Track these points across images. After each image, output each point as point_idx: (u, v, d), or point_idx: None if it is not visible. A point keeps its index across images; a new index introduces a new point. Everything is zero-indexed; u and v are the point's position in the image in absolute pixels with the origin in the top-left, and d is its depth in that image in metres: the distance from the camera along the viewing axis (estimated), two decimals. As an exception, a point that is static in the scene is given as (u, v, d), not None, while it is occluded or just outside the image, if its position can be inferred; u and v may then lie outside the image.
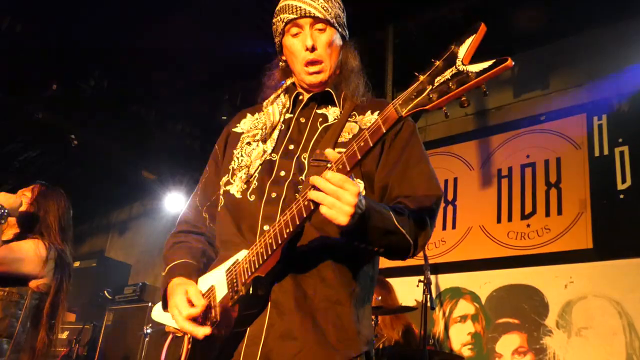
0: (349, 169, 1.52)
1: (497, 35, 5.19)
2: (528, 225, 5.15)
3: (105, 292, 7.01)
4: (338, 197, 1.50)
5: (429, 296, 4.13)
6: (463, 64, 1.37)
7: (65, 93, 6.44)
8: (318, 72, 1.94)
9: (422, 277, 4.24)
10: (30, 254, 3.10)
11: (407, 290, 4.61)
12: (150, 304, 6.24)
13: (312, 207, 1.55)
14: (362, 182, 1.81)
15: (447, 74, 1.39)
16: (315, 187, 1.52)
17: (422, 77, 1.43)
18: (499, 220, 5.31)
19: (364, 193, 1.62)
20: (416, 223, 1.75)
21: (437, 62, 1.42)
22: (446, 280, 5.40)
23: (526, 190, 5.28)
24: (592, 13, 4.99)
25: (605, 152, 4.98)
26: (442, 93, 1.39)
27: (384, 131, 1.48)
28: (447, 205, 5.65)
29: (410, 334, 4.51)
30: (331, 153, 1.55)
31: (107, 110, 6.64)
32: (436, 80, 1.40)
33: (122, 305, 6.76)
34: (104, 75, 6.32)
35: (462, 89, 1.37)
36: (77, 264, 8.00)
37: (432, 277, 5.13)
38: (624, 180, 4.80)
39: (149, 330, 5.44)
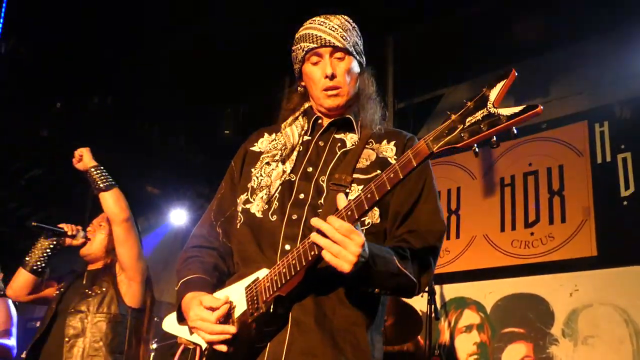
0: (366, 209, 1.58)
1: (496, 45, 5.19)
2: (532, 234, 5.12)
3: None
4: (344, 246, 1.56)
5: (433, 306, 4.10)
6: (494, 106, 1.44)
7: (70, 110, 6.48)
8: (336, 96, 1.99)
9: (426, 288, 4.20)
10: None
11: (409, 302, 4.57)
12: (156, 318, 6.21)
13: (316, 252, 1.62)
14: (377, 209, 1.86)
15: (479, 115, 1.47)
16: (320, 232, 1.58)
17: (454, 116, 1.51)
18: (502, 229, 5.29)
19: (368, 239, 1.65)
20: (420, 263, 1.81)
21: (469, 103, 1.49)
22: (451, 290, 5.37)
23: (529, 199, 5.26)
24: (591, 21, 4.98)
25: (608, 158, 4.95)
26: (473, 133, 1.47)
27: (414, 165, 1.55)
28: (451, 215, 5.62)
29: (414, 345, 4.46)
30: (341, 199, 1.62)
31: (110, 127, 6.68)
32: (467, 120, 1.48)
33: (129, 321, 6.72)
34: (107, 92, 6.36)
35: (493, 130, 1.44)
36: (83, 280, 8.00)
37: (437, 288, 5.12)
38: (627, 187, 4.78)
39: (154, 345, 5.42)
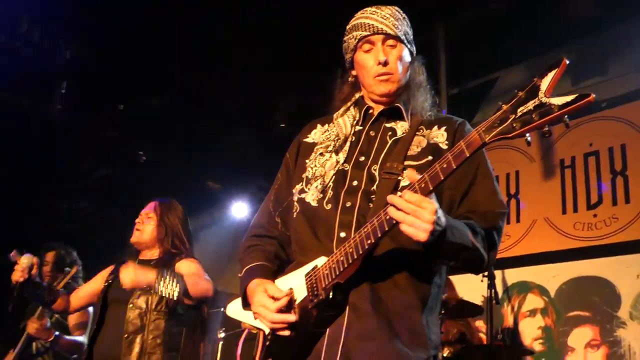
0: (430, 189, 1.61)
1: (550, 24, 5.07)
2: (595, 216, 5.00)
3: (180, 300, 7.18)
4: (417, 216, 1.59)
5: (493, 291, 4.06)
6: (545, 96, 1.45)
7: (132, 111, 6.69)
8: (387, 82, 2.03)
9: (485, 273, 4.17)
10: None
11: (471, 287, 4.55)
12: (222, 309, 6.36)
13: (394, 222, 1.65)
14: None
15: (530, 105, 1.48)
16: (394, 206, 1.62)
17: (505, 107, 1.53)
18: (564, 212, 5.18)
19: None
20: (487, 240, 1.85)
21: (520, 93, 1.51)
22: (513, 275, 5.31)
23: (591, 180, 5.12)
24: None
25: (673, 135, 4.78)
26: (525, 123, 1.48)
27: (467, 155, 1.57)
28: (510, 199, 5.54)
29: (471, 331, 4.45)
30: (411, 174, 1.65)
31: (170, 126, 6.85)
32: (519, 110, 1.50)
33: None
34: (166, 92, 6.53)
35: (544, 120, 1.45)
36: (153, 274, 8.24)
37: (499, 272, 5.07)
38: (693, 163, 4.60)
39: (222, 334, 5.58)
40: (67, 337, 4.50)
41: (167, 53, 5.84)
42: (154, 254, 3.59)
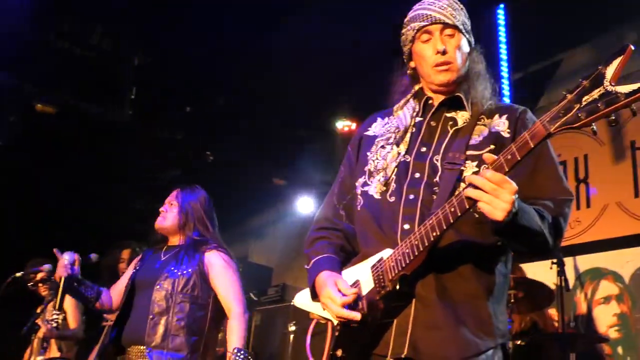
0: (507, 170, 1.60)
1: (614, 1, 4.90)
2: (669, 198, 4.80)
3: (251, 294, 7.35)
4: (497, 195, 1.58)
5: (563, 278, 3.98)
6: (611, 84, 1.42)
7: (199, 113, 6.87)
8: (447, 71, 2.02)
9: (554, 260, 4.08)
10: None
11: (541, 275, 4.45)
12: (292, 303, 6.46)
13: (467, 206, 1.65)
14: None
15: (595, 93, 1.45)
16: (473, 186, 1.61)
17: (569, 96, 1.51)
18: (636, 195, 4.99)
19: None
20: (554, 225, 1.81)
21: (584, 82, 1.48)
22: (585, 262, 5.16)
23: (664, 161, 4.92)
24: None
25: None
26: (590, 112, 1.46)
27: (532, 146, 1.57)
28: (580, 183, 5.37)
29: (544, 319, 4.36)
30: (488, 156, 1.65)
31: (235, 125, 6.98)
32: (584, 99, 1.47)
33: (267, 306, 7.08)
34: (230, 93, 6.67)
35: (611, 108, 1.43)
36: (224, 270, 8.44)
37: (570, 259, 4.96)
38: None
39: (293, 328, 5.66)
40: None
41: (230, 54, 5.96)
42: (178, 240, 3.59)
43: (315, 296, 2.06)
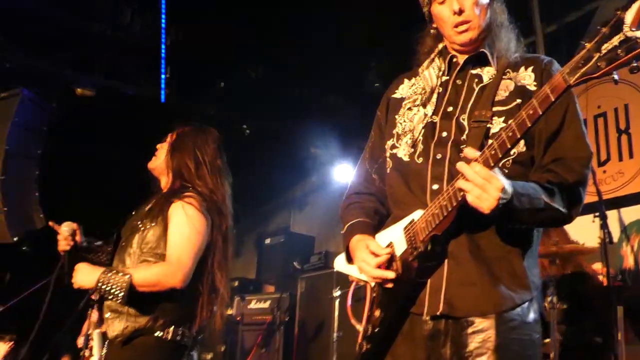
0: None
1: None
2: None
3: (295, 263, 7.47)
4: (484, 190, 1.63)
5: (607, 231, 3.92)
6: (631, 29, 1.40)
7: (231, 87, 6.92)
8: (466, 30, 1.99)
9: (597, 213, 4.02)
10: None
11: (582, 229, 4.38)
12: (335, 269, 6.51)
13: (459, 198, 1.73)
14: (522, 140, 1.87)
15: (615, 40, 1.42)
16: (464, 176, 1.67)
17: (588, 45, 1.48)
18: (682, 143, 4.85)
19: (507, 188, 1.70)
20: (569, 195, 1.82)
21: (603, 29, 1.46)
22: (629, 214, 5.04)
23: None
24: None
25: None
26: (610, 60, 1.43)
27: (552, 100, 1.56)
28: (621, 134, 5.24)
29: (585, 273, 4.32)
30: (470, 152, 1.71)
31: (269, 96, 7.00)
32: (603, 47, 1.44)
33: (311, 274, 7.17)
34: (261, 64, 6.68)
35: (631, 55, 1.40)
36: (268, 240, 8.61)
37: (614, 212, 4.87)
38: None
39: (337, 293, 5.72)
40: None
41: (259, 26, 5.97)
42: (167, 183, 3.20)
43: (350, 260, 2.11)
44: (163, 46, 6.34)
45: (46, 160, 6.01)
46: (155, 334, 2.82)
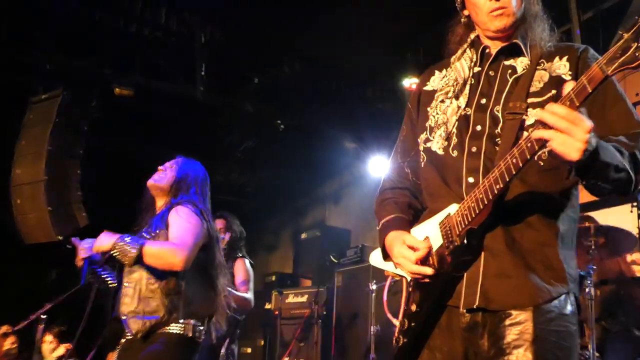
0: (577, 105, 1.53)
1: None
2: None
3: (332, 257, 7.48)
4: (571, 134, 1.51)
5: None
6: None
7: (266, 83, 6.98)
8: (502, 15, 1.95)
9: (634, 202, 3.95)
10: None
11: (621, 220, 4.31)
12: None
13: (537, 148, 1.60)
14: None
15: None
16: (543, 124, 1.55)
17: (626, 35, 1.45)
18: None
19: None
20: (633, 160, 1.74)
21: None
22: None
23: None
24: None
25: None
26: None
27: (590, 91, 1.52)
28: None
29: (626, 264, 4.24)
30: (568, 86, 1.58)
31: (303, 92, 7.04)
32: None
33: (347, 267, 7.19)
34: (295, 60, 6.72)
35: None
36: (304, 235, 8.64)
37: (653, 201, 4.75)
38: None
39: (374, 287, 5.73)
40: (236, 292, 4.75)
41: (290, 25, 6.01)
42: (164, 203, 3.50)
43: (386, 256, 2.10)
44: (198, 43, 6.44)
45: (86, 158, 6.16)
46: (170, 327, 3.20)
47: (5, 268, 6.94)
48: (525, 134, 1.79)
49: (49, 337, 6.55)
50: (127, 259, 3.07)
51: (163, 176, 3.53)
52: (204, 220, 3.36)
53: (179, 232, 3.22)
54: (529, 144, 1.63)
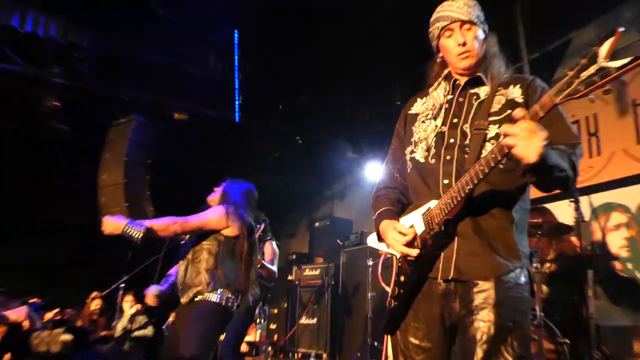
0: (541, 116, 1.53)
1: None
2: (668, 143, 4.44)
3: (338, 240, 7.46)
4: (530, 141, 1.53)
5: (579, 212, 3.82)
6: (605, 60, 1.39)
7: (288, 108, 6.99)
8: (467, 57, 1.97)
9: (572, 199, 3.91)
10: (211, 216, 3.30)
11: (563, 211, 4.28)
12: (368, 245, 6.50)
13: (507, 151, 1.59)
14: None
15: (592, 69, 1.41)
16: (507, 136, 1.56)
17: (570, 73, 1.46)
18: (638, 142, 4.67)
19: None
20: (571, 162, 1.74)
21: (583, 60, 1.44)
22: (598, 198, 4.90)
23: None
24: None
25: None
26: (588, 84, 1.42)
27: (541, 115, 1.54)
28: (591, 137, 5.08)
29: (567, 246, 4.20)
30: (519, 112, 1.58)
31: (316, 115, 7.04)
32: (582, 74, 1.43)
33: (350, 249, 7.16)
34: (310, 91, 6.72)
35: (605, 80, 1.39)
36: (317, 224, 8.62)
37: (586, 198, 4.76)
38: None
39: (370, 263, 5.74)
40: (268, 265, 4.62)
41: (306, 64, 6.01)
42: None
43: (380, 239, 2.10)
44: (236, 80, 6.46)
45: (154, 167, 6.20)
46: (207, 295, 3.14)
47: (94, 251, 7.01)
48: (488, 144, 1.81)
49: (129, 297, 6.61)
50: (135, 238, 2.95)
51: (216, 193, 3.59)
52: (233, 215, 3.30)
53: (196, 216, 3.21)
54: (493, 156, 1.64)
